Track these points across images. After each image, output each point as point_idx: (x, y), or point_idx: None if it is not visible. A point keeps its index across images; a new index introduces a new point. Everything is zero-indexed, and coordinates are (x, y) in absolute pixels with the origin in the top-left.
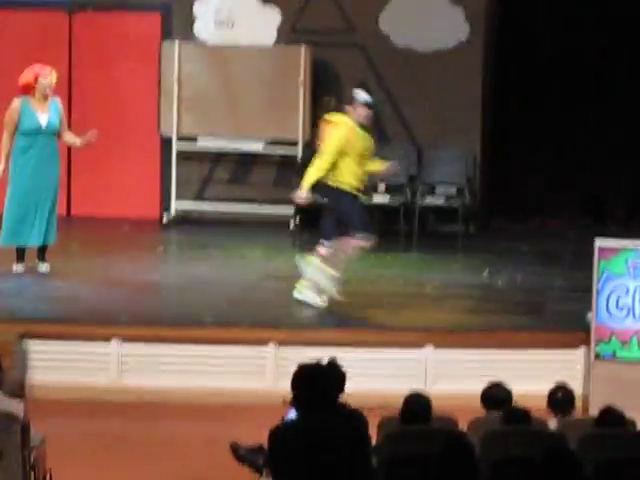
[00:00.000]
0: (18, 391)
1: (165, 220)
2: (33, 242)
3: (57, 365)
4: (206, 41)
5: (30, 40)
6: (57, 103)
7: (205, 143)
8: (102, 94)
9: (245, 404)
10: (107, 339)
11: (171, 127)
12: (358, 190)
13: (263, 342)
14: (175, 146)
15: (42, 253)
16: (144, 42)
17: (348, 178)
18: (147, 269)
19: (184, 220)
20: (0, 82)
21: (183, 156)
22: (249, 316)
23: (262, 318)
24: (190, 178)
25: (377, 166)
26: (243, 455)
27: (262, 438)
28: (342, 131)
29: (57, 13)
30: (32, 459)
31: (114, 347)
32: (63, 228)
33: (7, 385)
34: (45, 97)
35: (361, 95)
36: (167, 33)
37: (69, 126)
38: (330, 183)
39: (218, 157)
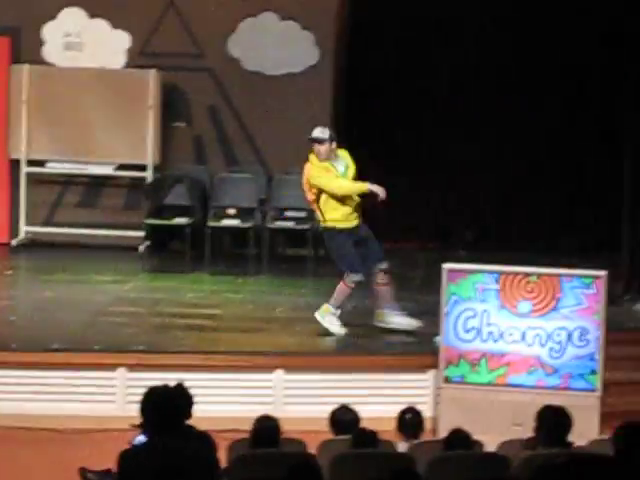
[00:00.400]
0: None
1: (14, 244)
2: None
3: None
4: (55, 64)
5: None
6: None
7: (54, 166)
8: None
9: (94, 429)
10: None
11: (20, 150)
12: (350, 221)
13: (112, 367)
14: (24, 169)
15: None
16: None
17: (331, 214)
18: None
19: (33, 244)
20: None
21: (32, 179)
22: (98, 341)
23: (111, 343)
24: (39, 201)
25: (361, 188)
26: (92, 479)
27: (111, 462)
28: (314, 171)
29: None
30: None
31: None
32: None
33: None
34: None
35: (313, 133)
36: (16, 56)
37: None
38: (321, 225)
39: (68, 180)
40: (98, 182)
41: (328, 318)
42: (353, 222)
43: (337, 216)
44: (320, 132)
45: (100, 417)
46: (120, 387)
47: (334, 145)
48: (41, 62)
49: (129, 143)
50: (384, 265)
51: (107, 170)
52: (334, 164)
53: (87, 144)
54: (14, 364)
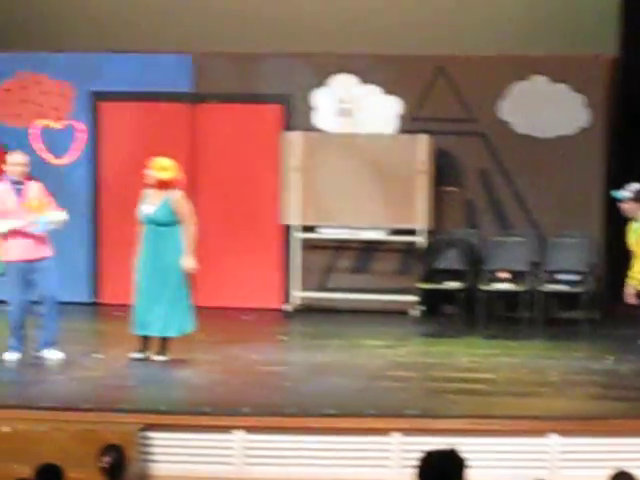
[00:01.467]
0: None
1: (288, 309)
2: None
3: (180, 456)
4: (326, 130)
5: (152, 131)
6: (171, 197)
7: (327, 232)
8: (224, 184)
9: None
10: (230, 430)
11: (293, 216)
12: None
13: (387, 432)
14: (297, 235)
15: (160, 343)
16: (265, 132)
17: None
18: (270, 359)
19: (307, 309)
20: (125, 172)
21: (305, 245)
22: (373, 405)
23: (386, 407)
24: (313, 267)
25: None
26: None
27: None
28: None
29: (179, 105)
30: None
31: (237, 438)
32: None
33: (130, 477)
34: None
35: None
36: (288, 123)
37: (190, 217)
38: None
39: (340, 246)
40: (370, 247)
41: None
42: None
43: None
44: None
45: None
46: (395, 452)
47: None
48: (312, 128)
49: (401, 208)
50: None
51: (379, 235)
52: None
53: (359, 209)
54: (289, 429)
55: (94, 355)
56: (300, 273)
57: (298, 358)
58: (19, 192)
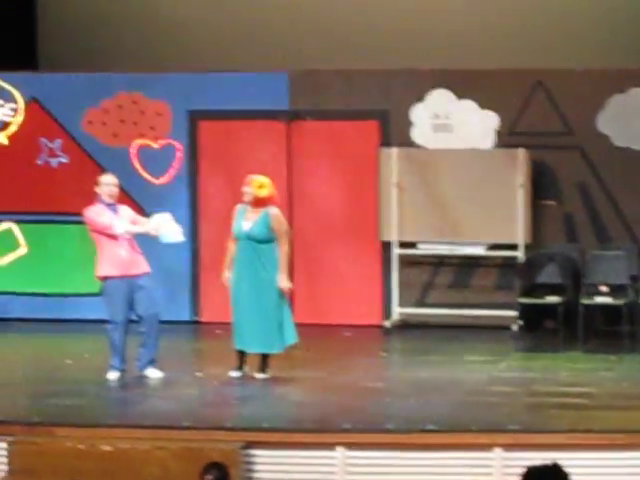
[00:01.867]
0: None
1: (388, 325)
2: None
3: (282, 474)
4: (424, 146)
5: (250, 149)
6: (268, 213)
7: (426, 247)
8: (321, 201)
9: None
10: (332, 447)
11: (391, 232)
12: None
13: (488, 447)
14: (396, 251)
15: (261, 360)
16: (362, 149)
17: None
18: (370, 375)
19: (406, 325)
20: (223, 190)
21: (404, 261)
22: (473, 421)
23: (487, 423)
24: (411, 283)
25: None
26: None
27: None
28: None
29: (276, 123)
30: None
31: (339, 455)
32: None
33: None
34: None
35: None
36: (385, 139)
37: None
38: None
39: (439, 261)
40: (469, 262)
41: None
42: None
43: None
44: None
45: None
46: (497, 467)
47: None
48: (410, 144)
49: (499, 223)
50: None
51: (478, 250)
52: None
53: (458, 225)
54: (390, 445)
55: (196, 374)
56: (399, 289)
57: (398, 374)
58: (114, 211)
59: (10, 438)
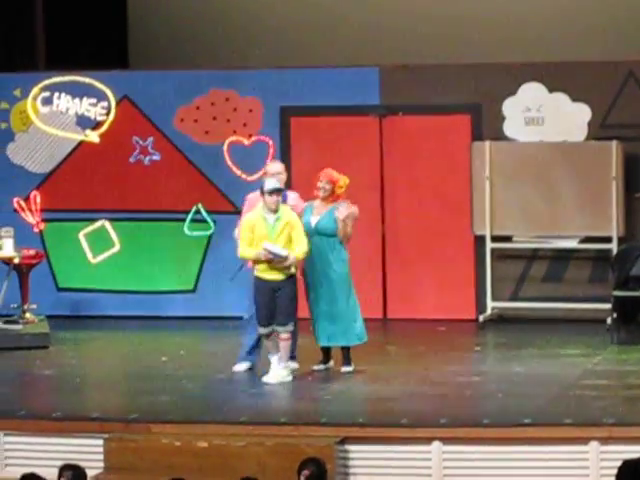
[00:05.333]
0: None
1: (481, 320)
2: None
3: (378, 469)
4: (516, 139)
5: (341, 145)
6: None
7: (519, 241)
8: (413, 195)
9: None
10: (428, 442)
11: (484, 226)
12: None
13: (584, 441)
14: (489, 245)
15: (344, 354)
16: (454, 143)
17: None
18: (465, 369)
19: (500, 319)
20: (314, 186)
21: (497, 255)
22: (569, 415)
23: (582, 416)
24: (505, 277)
25: None
26: None
27: None
28: None
29: (367, 118)
30: None
31: (435, 449)
32: (379, 330)
33: None
34: (323, 200)
35: None
36: (477, 133)
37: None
38: None
39: (533, 255)
40: (563, 255)
41: None
42: None
43: None
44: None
45: None
46: (593, 461)
47: None
48: (502, 138)
49: (593, 215)
50: None
51: (572, 243)
52: None
53: (551, 218)
54: (486, 439)
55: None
56: (493, 283)
57: (493, 368)
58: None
59: (106, 435)
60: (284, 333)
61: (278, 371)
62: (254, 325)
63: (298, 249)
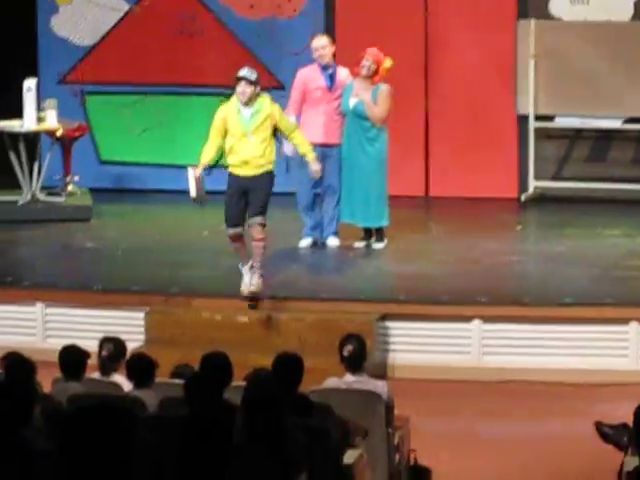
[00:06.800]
0: (380, 372)
1: (523, 199)
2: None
3: (418, 346)
4: (561, 18)
5: (386, 22)
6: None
7: (562, 121)
8: (457, 74)
9: (606, 383)
10: (468, 319)
11: (528, 105)
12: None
13: (624, 321)
14: (532, 124)
15: (377, 231)
16: (500, 21)
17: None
18: (506, 248)
19: (542, 198)
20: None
21: (540, 134)
22: (609, 294)
23: (623, 296)
24: (547, 156)
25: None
26: (607, 433)
27: (626, 417)
28: None
29: None
30: (396, 439)
31: (475, 327)
32: (421, 207)
33: (370, 366)
34: (366, 79)
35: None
36: (522, 11)
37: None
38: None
39: (575, 135)
40: (606, 135)
41: None
42: None
43: None
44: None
45: (614, 371)
46: (632, 341)
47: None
48: (548, 17)
49: (637, 96)
50: None
51: (615, 124)
52: None
53: (595, 98)
54: (526, 318)
55: (330, 244)
56: (535, 162)
57: (534, 247)
58: (330, 77)
59: (147, 308)
60: (257, 226)
61: (253, 280)
62: (313, 200)
63: (305, 148)
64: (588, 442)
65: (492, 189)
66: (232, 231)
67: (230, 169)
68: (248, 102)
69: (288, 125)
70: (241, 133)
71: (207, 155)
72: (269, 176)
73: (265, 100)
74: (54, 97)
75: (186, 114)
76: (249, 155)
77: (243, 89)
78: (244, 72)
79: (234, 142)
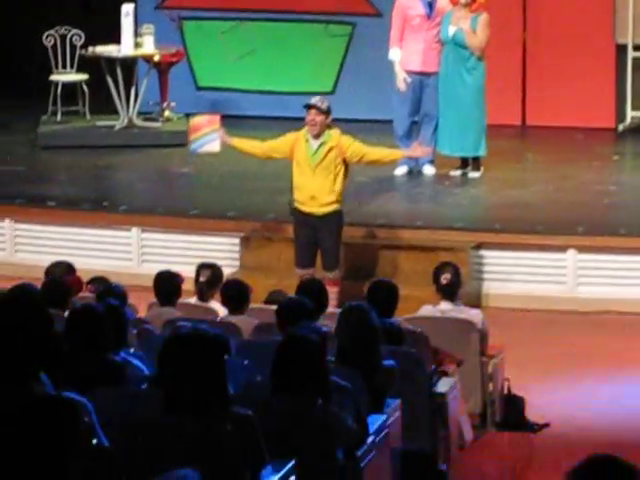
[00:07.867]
0: (474, 301)
1: (620, 129)
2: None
3: (512, 275)
4: None
5: None
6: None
7: None
8: (555, 3)
9: None
10: (563, 249)
11: (627, 35)
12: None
13: None
14: (630, 54)
15: (474, 160)
16: None
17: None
18: (602, 178)
19: (639, 129)
20: None
21: (639, 64)
22: None
23: None
24: None
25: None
26: None
27: None
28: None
29: None
30: (490, 368)
31: (570, 257)
32: (518, 137)
33: (464, 295)
34: (465, 7)
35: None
36: None
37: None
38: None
39: None
40: None
41: None
42: None
43: None
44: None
45: None
46: None
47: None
48: None
49: None
50: None
51: None
52: None
53: None
54: (622, 249)
55: (425, 172)
56: (633, 93)
57: (631, 178)
58: (430, 5)
59: (242, 234)
60: (332, 277)
61: None
62: (410, 128)
63: (389, 157)
64: None
65: (589, 119)
66: (302, 273)
67: (296, 204)
68: (318, 134)
69: (360, 148)
70: (306, 164)
71: (249, 144)
72: (337, 216)
73: (334, 133)
74: (151, 22)
75: (282, 40)
76: (316, 191)
77: (313, 117)
78: (315, 100)
79: (300, 175)
